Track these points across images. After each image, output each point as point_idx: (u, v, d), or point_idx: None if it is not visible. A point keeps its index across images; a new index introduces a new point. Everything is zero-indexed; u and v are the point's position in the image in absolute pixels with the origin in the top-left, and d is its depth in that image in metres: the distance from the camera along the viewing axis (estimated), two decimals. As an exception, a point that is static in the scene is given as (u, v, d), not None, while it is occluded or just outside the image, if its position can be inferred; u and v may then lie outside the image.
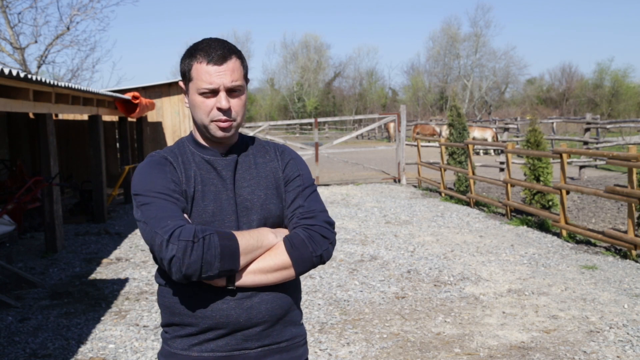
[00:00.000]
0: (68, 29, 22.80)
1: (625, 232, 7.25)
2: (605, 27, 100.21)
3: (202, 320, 1.64)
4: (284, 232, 1.70)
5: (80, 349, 4.59)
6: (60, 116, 14.72)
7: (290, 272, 1.64)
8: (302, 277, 6.44)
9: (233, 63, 1.65)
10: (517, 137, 24.02)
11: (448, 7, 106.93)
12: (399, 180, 15.80)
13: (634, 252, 6.85)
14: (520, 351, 4.35)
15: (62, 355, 4.48)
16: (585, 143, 17.12)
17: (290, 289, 1.73)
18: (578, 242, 7.97)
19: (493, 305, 5.40)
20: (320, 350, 4.47)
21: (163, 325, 1.74)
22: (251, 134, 16.15)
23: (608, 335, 4.60)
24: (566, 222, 8.19)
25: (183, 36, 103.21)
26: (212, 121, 1.67)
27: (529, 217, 9.57)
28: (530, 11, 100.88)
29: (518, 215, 10.02)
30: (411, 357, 4.30)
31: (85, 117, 14.71)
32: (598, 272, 6.39)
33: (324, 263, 1.70)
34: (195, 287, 1.62)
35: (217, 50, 1.64)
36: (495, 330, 4.78)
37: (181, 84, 1.74)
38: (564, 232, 8.17)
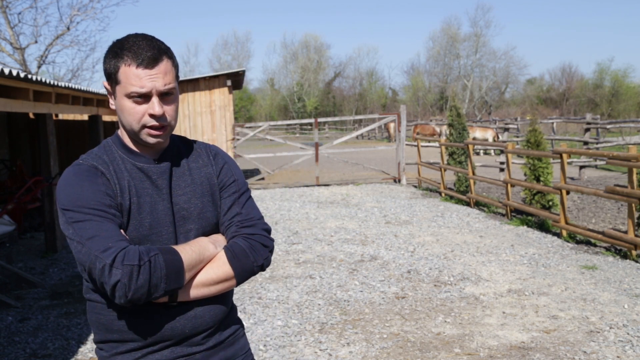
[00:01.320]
0: (68, 29, 22.82)
1: (625, 232, 7.25)
2: (605, 27, 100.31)
3: (146, 335, 1.56)
4: (222, 241, 1.65)
5: (80, 349, 4.59)
6: (60, 116, 14.73)
7: (232, 283, 1.61)
8: (302, 277, 6.44)
9: (165, 65, 1.54)
10: (517, 137, 24.02)
11: (448, 7, 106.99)
12: (399, 181, 15.80)
13: (634, 252, 6.85)
14: (520, 351, 4.35)
15: (62, 355, 4.48)
16: (585, 143, 17.12)
17: (228, 294, 1.71)
18: (578, 242, 7.97)
19: (493, 306, 5.40)
20: (320, 350, 4.47)
21: (97, 342, 1.64)
22: (251, 134, 16.14)
23: (608, 335, 4.60)
24: (566, 222, 8.19)
25: (183, 36, 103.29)
26: (143, 128, 1.56)
27: (529, 217, 9.57)
28: (530, 11, 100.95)
29: (518, 215, 10.02)
30: (411, 357, 4.30)
31: (85, 117, 14.71)
32: (598, 272, 6.39)
33: (263, 271, 1.68)
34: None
35: (146, 51, 1.52)
36: (495, 331, 4.78)
37: (105, 84, 1.61)
38: (564, 232, 8.17)
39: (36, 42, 22.31)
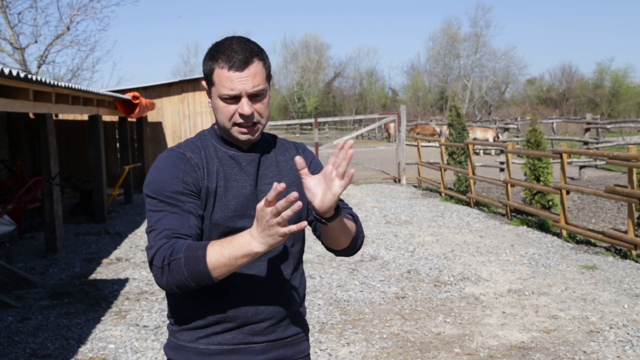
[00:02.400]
0: (68, 29, 22.81)
1: (625, 232, 7.25)
2: (605, 27, 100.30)
3: (211, 314, 1.65)
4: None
5: (80, 349, 4.59)
6: (60, 116, 14.72)
7: (348, 238, 1.71)
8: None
9: (255, 67, 1.63)
10: (517, 137, 24.02)
11: (448, 7, 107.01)
12: (399, 180, 15.80)
13: (634, 252, 6.84)
14: (520, 351, 4.35)
15: (62, 355, 4.48)
16: (586, 143, 17.12)
17: (298, 286, 1.76)
18: (578, 242, 7.97)
19: (493, 305, 5.40)
20: (320, 350, 4.47)
21: (170, 317, 1.76)
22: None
23: (608, 335, 4.60)
24: (566, 222, 8.19)
25: (183, 36, 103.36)
26: (234, 125, 1.66)
27: (529, 217, 9.57)
28: (530, 11, 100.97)
29: (518, 215, 10.02)
30: (411, 357, 4.30)
31: (85, 117, 14.70)
32: (598, 272, 6.38)
33: (359, 249, 1.79)
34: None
35: (238, 54, 1.61)
36: (495, 330, 4.78)
37: (204, 83, 1.72)
38: (564, 232, 8.17)
39: (36, 42, 22.30)
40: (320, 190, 1.52)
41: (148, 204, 1.64)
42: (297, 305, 1.77)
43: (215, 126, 1.76)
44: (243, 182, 1.69)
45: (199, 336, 1.67)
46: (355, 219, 1.75)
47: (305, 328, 1.82)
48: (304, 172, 1.51)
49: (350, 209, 1.81)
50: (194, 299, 1.66)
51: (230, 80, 1.61)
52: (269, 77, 1.70)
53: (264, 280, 1.67)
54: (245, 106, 1.62)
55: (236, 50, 1.62)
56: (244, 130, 1.66)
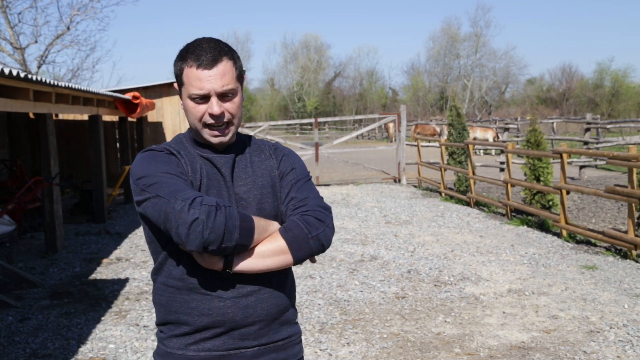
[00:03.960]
0: (68, 29, 22.82)
1: (626, 232, 7.25)
2: (605, 27, 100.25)
3: (198, 318, 1.62)
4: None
5: (81, 349, 4.59)
6: (61, 116, 14.72)
7: (287, 258, 1.61)
8: (302, 277, 6.44)
9: (224, 66, 1.61)
10: (518, 137, 24.01)
11: (448, 7, 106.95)
12: (399, 180, 15.80)
13: (634, 252, 6.84)
14: (520, 351, 4.35)
15: (62, 355, 4.48)
16: (586, 143, 17.12)
17: (285, 288, 1.73)
18: (578, 242, 7.97)
19: (493, 305, 5.40)
20: (320, 350, 4.47)
21: (158, 324, 1.73)
22: (251, 134, 16.15)
23: (608, 335, 4.60)
24: (566, 222, 8.19)
25: (183, 36, 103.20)
26: (204, 126, 1.64)
27: (529, 217, 9.57)
28: (530, 11, 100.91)
29: (518, 215, 10.02)
30: (411, 357, 4.30)
31: (85, 117, 14.70)
32: (598, 272, 6.38)
33: (324, 249, 1.66)
34: (192, 284, 1.63)
35: (207, 53, 1.60)
36: (495, 330, 4.78)
37: (175, 85, 1.71)
38: (564, 232, 8.17)
39: (36, 42, 22.31)
40: None
41: (144, 184, 1.55)
42: (288, 307, 1.75)
43: (190, 129, 1.74)
44: (222, 184, 1.68)
45: (188, 343, 1.64)
46: (289, 234, 1.62)
47: (297, 331, 1.78)
48: None
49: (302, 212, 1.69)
50: (182, 305, 1.64)
51: (198, 79, 1.59)
52: (240, 77, 1.67)
53: (251, 281, 1.64)
54: (214, 106, 1.60)
55: (205, 50, 1.60)
56: (215, 132, 1.64)
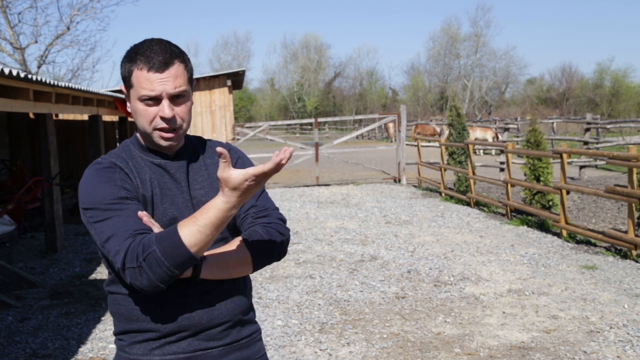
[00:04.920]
0: (68, 29, 22.82)
1: (626, 232, 7.25)
2: (605, 27, 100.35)
3: (163, 325, 1.60)
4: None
5: (81, 349, 4.59)
6: (61, 116, 14.73)
7: (249, 268, 1.65)
8: (302, 277, 6.44)
9: (176, 69, 1.57)
10: (518, 137, 24.02)
11: (448, 7, 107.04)
12: (399, 180, 15.80)
13: (634, 252, 6.85)
14: (520, 351, 4.35)
15: (62, 355, 4.48)
16: (586, 143, 17.12)
17: (246, 290, 1.75)
18: (578, 242, 7.97)
19: (493, 305, 5.40)
20: (320, 350, 4.47)
21: (117, 333, 1.68)
22: (251, 134, 16.13)
23: (608, 335, 4.60)
24: (566, 222, 8.19)
25: (183, 36, 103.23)
26: (155, 129, 1.60)
27: (529, 217, 9.57)
28: (530, 11, 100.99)
29: (518, 215, 10.02)
30: (411, 357, 4.30)
31: (85, 117, 14.71)
32: (598, 272, 6.38)
33: (279, 259, 1.70)
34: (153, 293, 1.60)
35: (158, 55, 1.56)
36: (495, 330, 4.78)
37: (122, 88, 1.66)
38: (564, 232, 8.17)
39: (36, 42, 22.31)
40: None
41: (91, 218, 1.55)
42: (249, 307, 1.76)
43: (138, 134, 1.69)
44: (175, 190, 1.65)
45: (152, 347, 1.61)
46: (251, 243, 1.62)
47: (257, 329, 1.80)
48: (224, 162, 1.40)
49: (271, 216, 1.70)
50: (145, 313, 1.61)
51: (149, 81, 1.55)
52: (191, 80, 1.64)
53: (215, 284, 1.64)
54: (166, 108, 1.57)
55: (156, 52, 1.56)
56: (166, 135, 1.60)
